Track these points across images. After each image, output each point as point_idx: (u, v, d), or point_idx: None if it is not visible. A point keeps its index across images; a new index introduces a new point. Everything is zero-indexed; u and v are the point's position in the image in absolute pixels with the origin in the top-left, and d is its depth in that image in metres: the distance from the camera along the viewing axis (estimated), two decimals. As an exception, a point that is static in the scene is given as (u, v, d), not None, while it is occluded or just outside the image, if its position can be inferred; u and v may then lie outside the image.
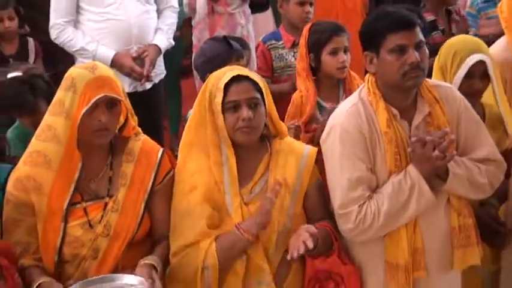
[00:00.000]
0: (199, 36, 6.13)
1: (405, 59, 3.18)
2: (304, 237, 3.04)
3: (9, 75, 4.28)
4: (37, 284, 3.09)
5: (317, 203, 3.33)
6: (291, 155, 3.31)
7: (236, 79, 3.22)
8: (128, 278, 3.09)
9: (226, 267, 3.19)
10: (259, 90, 3.24)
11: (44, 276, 3.14)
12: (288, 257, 3.08)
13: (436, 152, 3.10)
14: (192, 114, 3.36)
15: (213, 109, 3.21)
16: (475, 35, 5.35)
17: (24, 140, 4.08)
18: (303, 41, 4.43)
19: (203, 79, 4.20)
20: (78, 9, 5.16)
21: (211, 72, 3.93)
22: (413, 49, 3.19)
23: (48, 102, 3.42)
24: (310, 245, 3.02)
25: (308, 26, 4.49)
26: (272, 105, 3.33)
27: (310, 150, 3.34)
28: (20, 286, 3.13)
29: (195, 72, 6.10)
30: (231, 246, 3.16)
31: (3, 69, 4.47)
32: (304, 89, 4.35)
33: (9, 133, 4.47)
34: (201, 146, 3.27)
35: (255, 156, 3.30)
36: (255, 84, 3.24)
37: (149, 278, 3.06)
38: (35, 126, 3.43)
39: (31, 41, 6.06)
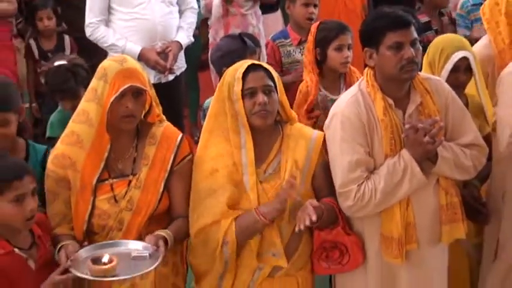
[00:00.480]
0: (215, 35, 6.09)
1: (402, 54, 3.17)
2: (308, 210, 3.01)
3: (56, 64, 4.38)
4: (60, 245, 3.08)
5: (324, 181, 3.29)
6: (301, 138, 3.27)
7: (252, 68, 3.20)
8: (134, 244, 3.10)
9: (243, 244, 3.17)
10: (272, 79, 3.21)
11: (68, 240, 3.11)
12: (296, 229, 3.05)
13: (427, 138, 3.09)
14: (211, 104, 3.33)
15: (231, 98, 3.18)
16: (464, 35, 5.29)
17: (63, 123, 4.09)
18: (311, 37, 4.40)
19: (219, 72, 4.22)
20: (109, 10, 5.19)
21: (226, 66, 3.95)
22: (409, 46, 3.19)
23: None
24: (314, 217, 2.99)
25: (316, 24, 4.46)
26: (283, 94, 3.31)
27: (317, 134, 3.31)
28: (51, 253, 3.11)
29: (211, 66, 6.11)
30: (249, 227, 3.13)
31: (52, 58, 4.66)
32: (309, 80, 4.33)
33: (52, 117, 4.49)
34: (221, 132, 3.24)
35: (268, 139, 3.27)
36: (269, 73, 3.22)
37: (154, 245, 3.03)
38: (75, 110, 3.44)
39: (67, 38, 6.04)
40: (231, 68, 3.29)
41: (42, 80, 5.74)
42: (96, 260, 2.97)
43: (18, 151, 3.36)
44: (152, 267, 2.98)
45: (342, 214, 3.24)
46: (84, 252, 3.06)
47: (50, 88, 4.46)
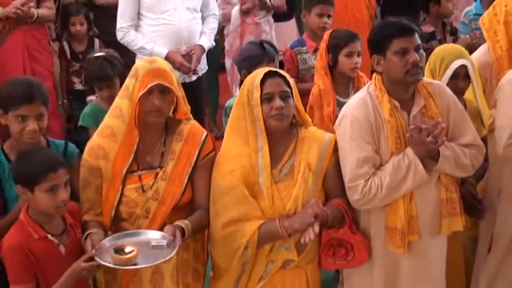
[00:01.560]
0: (231, 42, 6.11)
1: (407, 59, 3.18)
2: (309, 223, 3.02)
3: (95, 55, 4.62)
4: (87, 233, 3.11)
5: (335, 181, 3.28)
6: (314, 141, 3.26)
7: (270, 75, 3.20)
8: (152, 233, 3.12)
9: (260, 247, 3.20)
10: (289, 85, 3.21)
11: (95, 228, 3.15)
12: (302, 241, 3.07)
13: (430, 138, 3.09)
14: (233, 108, 3.33)
15: (251, 103, 3.18)
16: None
17: (94, 115, 4.25)
18: (323, 44, 4.41)
19: (240, 73, 4.27)
20: (139, 16, 5.20)
21: (246, 69, 4.09)
22: (413, 51, 3.19)
23: (122, 81, 3.53)
24: (317, 230, 3.02)
25: (329, 32, 4.47)
26: (299, 99, 3.30)
27: (330, 137, 3.30)
28: (80, 239, 3.14)
29: (227, 70, 6.16)
30: (270, 236, 3.15)
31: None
32: (322, 84, 4.34)
33: (85, 109, 4.56)
34: (240, 135, 3.23)
35: (284, 142, 3.26)
36: (285, 79, 3.22)
37: (171, 235, 3.05)
38: (111, 99, 3.55)
39: (97, 41, 6.08)
40: (250, 76, 3.29)
41: (75, 79, 5.88)
42: (119, 250, 2.99)
43: (39, 144, 3.36)
44: (169, 257, 2.99)
45: (348, 215, 3.24)
46: (108, 242, 3.08)
47: (88, 76, 4.55)
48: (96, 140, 3.25)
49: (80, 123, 4.53)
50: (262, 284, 3.26)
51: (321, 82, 4.34)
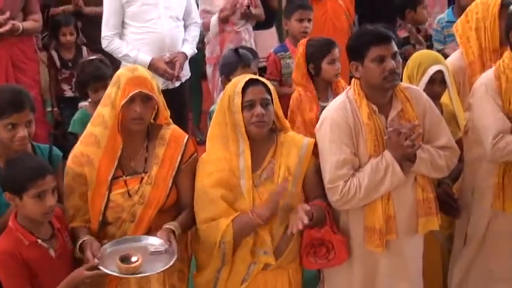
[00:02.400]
0: (212, 50, 6.05)
1: (384, 66, 3.18)
2: (300, 215, 3.01)
3: (88, 58, 4.56)
4: (81, 241, 3.07)
5: (314, 183, 3.28)
6: (293, 146, 3.25)
7: (251, 83, 3.18)
8: (151, 239, 3.11)
9: (239, 242, 3.17)
10: (269, 93, 3.20)
11: (88, 236, 3.11)
12: (288, 232, 3.07)
13: (407, 142, 3.10)
14: (214, 115, 3.32)
15: (232, 109, 3.16)
16: (437, 49, 5.31)
17: (84, 122, 4.12)
18: (300, 55, 4.37)
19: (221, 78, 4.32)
20: (123, 24, 5.16)
21: (224, 74, 4.23)
22: (390, 58, 3.19)
23: None
24: (306, 221, 2.99)
25: (304, 42, 4.43)
26: (278, 105, 3.29)
27: (308, 141, 3.28)
28: (69, 244, 3.12)
29: (208, 77, 6.15)
30: (245, 227, 3.12)
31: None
32: (303, 90, 4.30)
33: (75, 115, 4.49)
34: (221, 139, 3.22)
35: (264, 147, 3.25)
36: (266, 87, 3.20)
37: (167, 240, 3.05)
38: None
39: (85, 49, 6.03)
40: (231, 83, 3.28)
41: (65, 86, 5.83)
42: (124, 259, 2.96)
43: (27, 151, 3.31)
44: (171, 262, 3.00)
45: (329, 215, 3.23)
46: (109, 248, 3.06)
47: (83, 79, 4.41)
48: (79, 147, 3.21)
49: (69, 130, 4.47)
50: (245, 286, 3.24)
51: (301, 88, 4.32)
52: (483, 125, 3.51)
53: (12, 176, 2.98)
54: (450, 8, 6.07)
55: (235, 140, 3.18)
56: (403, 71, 3.76)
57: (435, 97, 3.69)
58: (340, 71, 4.37)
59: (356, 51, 3.27)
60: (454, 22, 4.64)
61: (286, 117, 3.67)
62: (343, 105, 3.28)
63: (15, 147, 3.16)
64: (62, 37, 5.91)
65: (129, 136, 3.20)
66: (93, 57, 4.52)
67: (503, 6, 4.12)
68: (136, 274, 2.97)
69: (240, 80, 3.22)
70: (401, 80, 3.62)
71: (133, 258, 2.96)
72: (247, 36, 6.09)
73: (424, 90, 3.61)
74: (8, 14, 5.29)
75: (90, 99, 4.41)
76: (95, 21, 5.51)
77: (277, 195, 3.07)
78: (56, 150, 3.46)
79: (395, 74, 3.19)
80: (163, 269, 3.00)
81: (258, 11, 6.13)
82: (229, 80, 3.93)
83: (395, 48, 3.23)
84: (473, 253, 3.68)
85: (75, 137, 4.12)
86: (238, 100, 3.14)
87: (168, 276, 3.26)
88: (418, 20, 5.70)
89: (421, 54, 3.91)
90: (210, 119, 4.10)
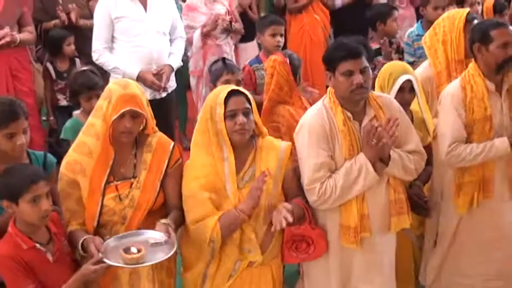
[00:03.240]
0: (195, 63, 6.08)
1: (352, 80, 3.18)
2: (283, 214, 3.03)
3: (82, 69, 4.54)
4: (82, 239, 3.07)
5: (292, 184, 3.30)
6: (272, 150, 3.27)
7: (233, 94, 3.20)
8: (151, 233, 3.12)
9: (226, 239, 3.18)
10: (249, 102, 3.22)
11: (87, 234, 3.12)
12: (272, 230, 3.10)
13: (382, 142, 3.12)
14: (197, 123, 3.33)
15: (214, 119, 3.18)
16: (408, 60, 5.35)
17: (75, 129, 4.06)
18: (285, 71, 4.30)
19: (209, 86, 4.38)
20: (112, 39, 5.15)
21: (212, 82, 4.27)
22: (358, 73, 3.18)
23: None
24: (290, 219, 3.02)
25: (282, 59, 4.35)
26: (257, 113, 3.31)
27: (286, 145, 3.31)
28: (66, 248, 3.12)
29: (192, 88, 6.19)
30: (231, 223, 3.14)
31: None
32: (290, 106, 4.27)
33: (67, 123, 4.47)
34: (204, 147, 3.23)
35: (244, 152, 3.26)
36: (247, 97, 3.22)
37: (166, 232, 3.07)
38: None
39: (78, 61, 6.02)
40: (212, 93, 3.29)
41: (60, 96, 5.82)
42: (127, 250, 2.97)
43: (23, 158, 3.33)
44: (172, 251, 3.02)
45: (308, 212, 3.25)
46: (111, 242, 3.07)
47: (77, 88, 4.38)
48: (73, 155, 3.22)
49: (61, 136, 4.46)
50: (231, 282, 3.26)
51: (289, 107, 4.26)
52: (442, 132, 3.56)
53: (8, 184, 2.99)
54: (419, 22, 6.10)
55: (219, 146, 3.19)
56: (375, 81, 3.82)
57: (405, 104, 3.72)
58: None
59: (329, 63, 3.28)
60: (422, 35, 4.65)
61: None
62: (319, 112, 3.29)
63: (16, 153, 3.17)
64: (66, 47, 5.88)
65: (119, 146, 3.21)
66: (85, 68, 4.52)
67: (468, 21, 4.16)
68: (140, 264, 2.98)
69: (221, 90, 3.24)
70: (373, 89, 3.69)
71: (135, 250, 2.97)
72: (228, 49, 6.14)
73: (395, 98, 3.64)
74: (8, 28, 5.31)
75: (82, 108, 4.41)
76: (86, 36, 5.50)
77: (257, 189, 3.08)
78: (50, 157, 3.47)
79: (362, 88, 3.19)
80: (165, 257, 3.02)
81: (238, 26, 6.20)
82: (216, 86, 4.02)
83: (365, 64, 3.22)
84: (444, 251, 3.70)
85: (68, 143, 4.13)
86: (220, 110, 3.16)
87: (157, 273, 3.28)
88: (389, 32, 5.73)
89: (391, 65, 3.94)
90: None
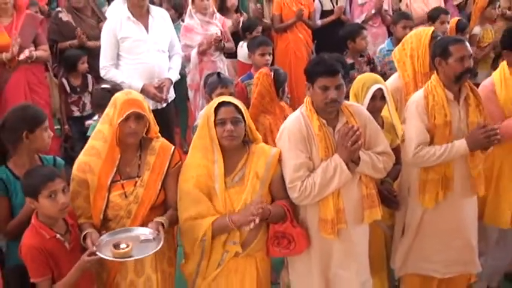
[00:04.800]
0: (192, 78, 6.07)
1: (327, 94, 3.21)
2: (251, 217, 3.07)
3: (102, 86, 4.41)
4: (84, 233, 3.12)
5: (279, 187, 3.30)
6: (262, 155, 3.28)
7: (223, 104, 3.23)
8: (141, 230, 3.15)
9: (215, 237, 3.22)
10: (240, 112, 3.23)
11: (90, 229, 3.15)
12: (245, 229, 3.13)
13: (353, 142, 3.16)
14: (197, 129, 3.36)
15: (209, 125, 3.21)
16: (381, 73, 5.37)
17: None
18: (268, 83, 4.35)
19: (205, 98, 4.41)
20: (118, 56, 5.17)
21: (208, 94, 4.28)
22: (334, 89, 3.21)
23: None
24: (257, 221, 3.06)
25: (268, 72, 4.41)
26: (250, 121, 3.33)
27: (275, 151, 3.31)
28: (79, 238, 3.15)
29: (190, 99, 6.21)
30: (222, 229, 3.17)
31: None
32: (269, 115, 4.32)
33: (93, 125, 4.37)
34: (201, 150, 3.25)
35: (237, 156, 3.27)
36: (237, 107, 3.24)
37: (156, 230, 3.10)
38: None
39: (89, 77, 6.03)
40: (209, 104, 3.32)
41: (73, 107, 5.89)
42: (116, 246, 3.01)
43: (36, 160, 3.40)
44: (157, 248, 3.04)
45: (290, 212, 3.25)
46: (105, 238, 3.09)
47: (93, 103, 4.43)
48: (82, 158, 3.25)
49: (88, 134, 4.34)
50: (220, 269, 3.28)
51: (269, 116, 4.32)
52: (408, 136, 3.57)
53: (29, 183, 3.05)
54: (389, 39, 6.14)
55: (212, 150, 3.22)
56: (349, 91, 3.84)
57: (377, 110, 3.74)
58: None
59: (309, 76, 3.30)
60: (392, 50, 4.68)
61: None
62: (298, 118, 3.31)
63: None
64: (81, 65, 5.91)
65: (125, 147, 3.24)
66: (106, 86, 4.44)
67: (433, 38, 4.19)
68: (127, 258, 3.01)
69: (215, 101, 3.27)
70: (348, 98, 3.71)
71: (124, 245, 3.01)
72: (222, 64, 6.15)
73: (368, 105, 3.67)
74: (32, 48, 5.37)
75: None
76: (95, 53, 5.51)
77: (252, 215, 3.08)
78: (59, 160, 3.53)
79: (335, 102, 3.22)
80: (150, 253, 3.04)
81: (229, 45, 6.22)
82: (212, 98, 4.06)
83: (341, 81, 3.24)
84: (411, 240, 3.70)
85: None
86: (212, 118, 3.20)
87: (159, 262, 3.31)
88: (358, 49, 5.69)
89: (364, 76, 3.95)
90: (193, 132, 4.18)
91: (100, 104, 4.24)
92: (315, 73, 3.26)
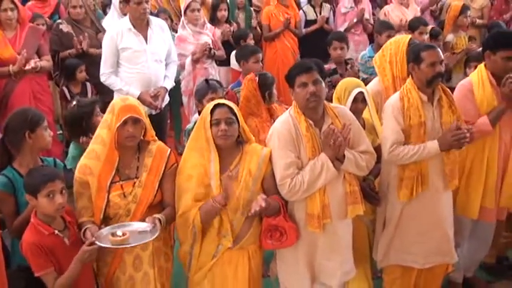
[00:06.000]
0: (186, 84, 6.09)
1: (307, 90, 3.23)
2: (259, 201, 3.08)
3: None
4: (84, 228, 3.13)
5: (271, 183, 3.30)
6: (255, 154, 3.29)
7: (218, 106, 3.25)
8: (138, 224, 3.15)
9: (207, 224, 3.23)
10: (234, 113, 3.25)
11: (90, 224, 3.16)
12: (252, 212, 3.11)
13: (340, 139, 3.18)
14: (193, 130, 3.36)
15: (205, 127, 3.22)
16: (362, 78, 5.39)
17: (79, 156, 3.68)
18: (252, 88, 4.33)
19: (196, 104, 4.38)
20: (118, 64, 5.16)
21: (197, 99, 4.24)
22: (312, 84, 3.24)
23: None
24: (263, 204, 3.06)
25: (253, 77, 4.38)
26: (243, 123, 3.35)
27: (267, 151, 3.31)
28: (78, 235, 3.14)
29: (184, 104, 6.22)
30: (208, 211, 3.18)
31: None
32: (256, 118, 4.30)
33: (73, 149, 4.08)
34: (198, 150, 3.26)
35: (231, 155, 3.29)
36: (231, 109, 3.26)
37: (152, 223, 3.10)
38: None
39: (89, 84, 6.01)
40: (205, 107, 3.33)
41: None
42: (114, 234, 3.02)
43: (38, 161, 3.42)
44: (153, 237, 3.06)
45: (283, 206, 3.26)
46: (105, 231, 3.09)
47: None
48: (84, 161, 3.25)
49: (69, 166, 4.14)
50: (214, 261, 3.29)
51: (256, 119, 4.30)
52: (384, 136, 3.60)
53: (30, 181, 3.05)
54: (370, 46, 6.15)
55: (208, 150, 3.23)
56: (332, 94, 3.87)
57: (358, 112, 3.76)
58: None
59: (289, 80, 3.33)
60: (373, 57, 4.70)
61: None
62: (286, 120, 3.32)
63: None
64: (79, 74, 5.89)
65: (124, 150, 3.24)
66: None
67: (410, 45, 4.20)
68: (125, 245, 3.02)
69: (211, 104, 3.29)
70: (331, 101, 3.73)
71: (120, 233, 3.02)
72: (214, 71, 6.18)
73: (350, 107, 3.68)
74: (36, 59, 5.36)
75: None
76: (96, 62, 5.50)
77: (226, 184, 3.13)
78: (58, 162, 3.55)
79: (315, 96, 3.23)
80: (146, 241, 3.05)
81: (220, 53, 6.24)
82: (202, 103, 4.08)
83: (317, 76, 3.26)
84: (391, 233, 3.71)
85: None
86: (208, 119, 3.21)
87: (157, 258, 3.31)
88: (337, 58, 5.62)
89: (346, 81, 3.97)
90: (186, 135, 4.19)
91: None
92: (293, 75, 3.29)
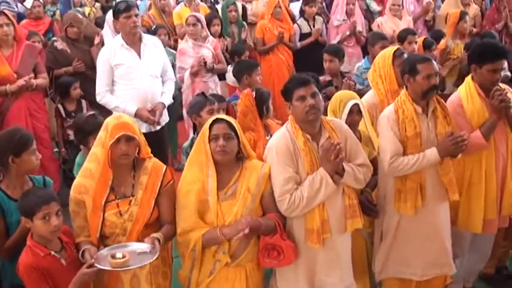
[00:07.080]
0: (186, 98, 6.09)
1: (305, 103, 3.21)
2: (240, 229, 3.06)
3: (90, 113, 4.24)
4: (83, 249, 3.08)
5: (270, 201, 3.26)
6: (254, 171, 3.25)
7: (217, 121, 3.22)
8: (138, 245, 3.10)
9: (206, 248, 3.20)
10: (233, 129, 3.22)
11: (88, 245, 3.11)
12: (235, 238, 3.10)
13: (336, 160, 3.16)
14: (195, 145, 3.33)
15: (204, 141, 3.20)
16: (358, 89, 5.37)
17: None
18: (249, 102, 4.29)
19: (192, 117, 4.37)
20: (113, 82, 5.10)
21: (195, 113, 4.23)
22: (310, 97, 3.22)
23: None
24: (247, 232, 3.04)
25: (249, 92, 4.35)
26: (244, 138, 3.32)
27: (266, 167, 3.27)
28: (76, 255, 3.10)
29: (184, 118, 6.20)
30: (212, 240, 3.15)
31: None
32: (253, 132, 4.25)
33: (79, 158, 4.20)
34: (198, 165, 3.23)
35: (230, 171, 3.25)
36: (230, 124, 3.23)
37: (152, 244, 3.05)
38: None
39: (84, 102, 5.99)
40: (206, 123, 3.30)
41: (69, 131, 5.75)
42: (114, 256, 2.97)
43: (27, 180, 3.38)
44: (154, 258, 3.00)
45: (280, 225, 3.21)
46: (104, 251, 3.05)
47: (89, 128, 4.00)
48: (79, 180, 3.21)
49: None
50: (211, 278, 3.25)
51: (253, 133, 4.25)
52: (383, 148, 3.58)
53: (25, 203, 3.02)
54: (366, 57, 6.13)
55: (207, 165, 3.20)
56: (327, 107, 3.84)
57: (354, 124, 3.75)
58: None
59: (286, 95, 3.31)
60: (369, 68, 4.70)
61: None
62: (284, 135, 3.29)
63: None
64: (73, 91, 5.86)
65: (119, 168, 3.19)
66: (92, 112, 4.31)
67: (396, 56, 4.23)
68: (125, 267, 2.97)
69: (211, 119, 3.27)
70: (326, 114, 3.71)
71: (120, 255, 2.97)
72: (213, 85, 6.16)
73: (346, 119, 3.67)
74: (32, 75, 5.35)
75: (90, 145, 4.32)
76: (90, 79, 5.48)
77: (241, 226, 3.07)
78: (48, 179, 3.51)
79: (314, 109, 3.20)
80: (146, 263, 3.00)
81: (220, 66, 6.22)
82: (200, 116, 4.08)
83: (315, 89, 3.25)
84: (389, 245, 3.69)
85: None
86: (207, 134, 3.18)
87: (154, 277, 3.26)
88: (333, 70, 5.58)
89: (341, 93, 3.97)
90: (183, 153, 4.20)
91: (98, 126, 3.99)
92: (290, 89, 3.27)
